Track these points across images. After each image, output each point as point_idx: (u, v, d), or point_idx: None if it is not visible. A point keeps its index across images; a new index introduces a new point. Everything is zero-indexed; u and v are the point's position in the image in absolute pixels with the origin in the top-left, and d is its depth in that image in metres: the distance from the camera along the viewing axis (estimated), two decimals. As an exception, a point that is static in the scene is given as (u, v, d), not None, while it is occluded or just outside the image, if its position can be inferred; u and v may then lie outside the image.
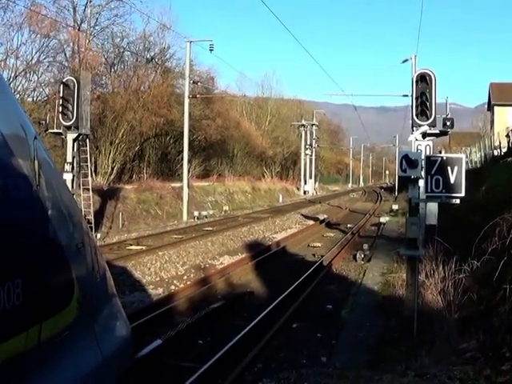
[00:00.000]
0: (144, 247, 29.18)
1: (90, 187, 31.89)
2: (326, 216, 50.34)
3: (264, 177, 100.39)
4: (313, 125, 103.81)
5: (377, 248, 29.37)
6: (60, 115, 27.56)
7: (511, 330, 9.46)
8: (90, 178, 32.43)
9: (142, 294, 19.29)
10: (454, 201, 13.25)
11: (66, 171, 27.43)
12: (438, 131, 15.77)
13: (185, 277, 22.61)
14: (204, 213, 49.80)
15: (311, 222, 45.49)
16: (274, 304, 16.97)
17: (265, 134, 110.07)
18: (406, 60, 43.94)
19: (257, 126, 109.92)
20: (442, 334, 11.35)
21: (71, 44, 54.89)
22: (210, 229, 38.95)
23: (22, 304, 3.86)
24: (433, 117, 15.48)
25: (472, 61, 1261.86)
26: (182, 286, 20.83)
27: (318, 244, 32.76)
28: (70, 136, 28.04)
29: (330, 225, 44.14)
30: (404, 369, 9.32)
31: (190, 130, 53.83)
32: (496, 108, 78.53)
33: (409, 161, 12.85)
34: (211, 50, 48.65)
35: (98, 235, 32.71)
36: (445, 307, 12.91)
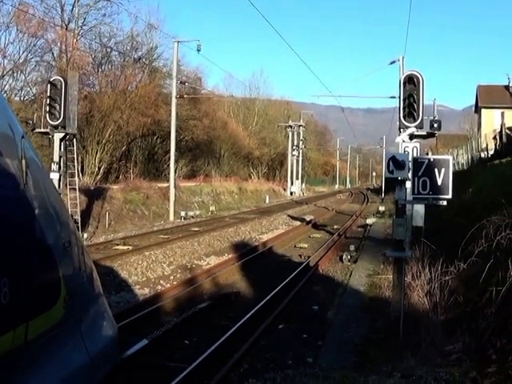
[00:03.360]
0: (130, 247, 29.11)
1: (77, 187, 31.78)
2: (312, 217, 50.28)
3: (251, 177, 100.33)
4: (300, 126, 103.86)
5: (363, 249, 29.37)
6: (47, 115, 27.43)
7: (497, 333, 9.48)
8: (76, 177, 32.32)
9: (129, 294, 19.23)
10: (441, 202, 13.27)
11: (53, 171, 27.31)
12: (425, 133, 15.77)
13: (171, 277, 22.57)
14: (191, 213, 49.75)
15: (298, 223, 45.46)
16: (260, 304, 16.95)
17: (252, 134, 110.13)
18: (394, 61, 44.10)
19: (244, 127, 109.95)
20: (428, 335, 11.36)
21: (59, 43, 54.81)
22: (197, 229, 38.88)
23: (8, 303, 3.84)
24: (420, 118, 15.48)
25: (460, 63, 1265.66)
26: (168, 286, 20.79)
27: (305, 245, 32.76)
28: (57, 135, 27.92)
29: (316, 226, 44.15)
30: (390, 370, 9.31)
31: (176, 130, 53.82)
32: (483, 110, 78.67)
33: (396, 162, 12.87)
34: (199, 51, 48.62)
35: (85, 235, 32.65)
36: (431, 309, 12.93)
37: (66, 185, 30.87)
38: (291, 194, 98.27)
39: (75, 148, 30.98)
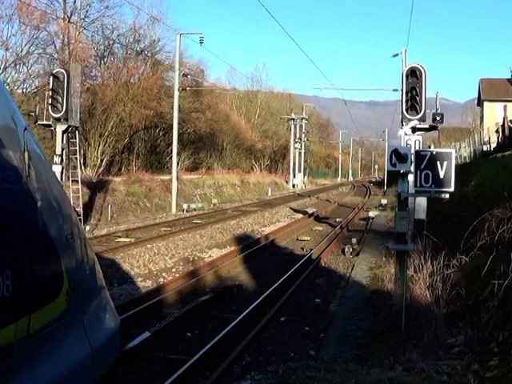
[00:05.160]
0: (133, 239, 29.09)
1: (79, 179, 31.77)
2: (314, 210, 50.30)
3: (253, 170, 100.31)
4: (302, 118, 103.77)
5: (365, 242, 29.39)
6: (49, 107, 27.41)
7: (499, 326, 9.49)
8: (79, 170, 32.28)
9: (131, 287, 19.24)
10: (443, 195, 13.28)
11: (55, 163, 27.26)
12: (427, 126, 15.73)
13: (173, 269, 22.59)
14: (193, 205, 49.68)
15: (300, 216, 45.45)
16: (262, 297, 16.96)
17: (254, 127, 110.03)
18: (397, 54, 43.89)
19: (246, 119, 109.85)
20: (430, 328, 11.37)
21: (61, 36, 54.82)
22: (199, 221, 38.88)
23: (11, 295, 3.85)
24: (423, 111, 15.44)
25: (462, 56, 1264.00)
26: (170, 278, 20.80)
27: (307, 238, 32.78)
28: (60, 128, 27.88)
29: (318, 218, 44.16)
30: (392, 363, 9.33)
31: (179, 123, 53.74)
32: (486, 103, 78.62)
33: (398, 155, 12.86)
34: (201, 43, 48.51)
35: (87, 227, 32.65)
36: (433, 302, 12.94)
37: (69, 177, 30.84)
38: (293, 186, 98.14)
39: (77, 140, 30.97)
